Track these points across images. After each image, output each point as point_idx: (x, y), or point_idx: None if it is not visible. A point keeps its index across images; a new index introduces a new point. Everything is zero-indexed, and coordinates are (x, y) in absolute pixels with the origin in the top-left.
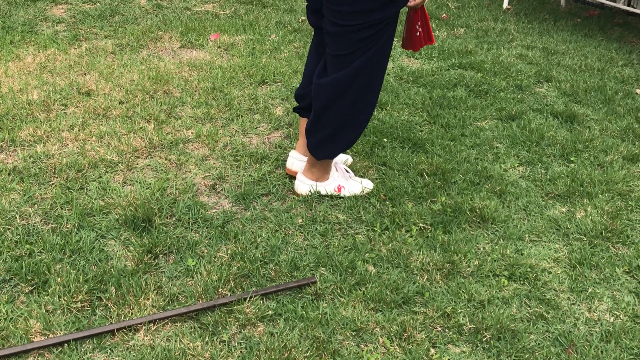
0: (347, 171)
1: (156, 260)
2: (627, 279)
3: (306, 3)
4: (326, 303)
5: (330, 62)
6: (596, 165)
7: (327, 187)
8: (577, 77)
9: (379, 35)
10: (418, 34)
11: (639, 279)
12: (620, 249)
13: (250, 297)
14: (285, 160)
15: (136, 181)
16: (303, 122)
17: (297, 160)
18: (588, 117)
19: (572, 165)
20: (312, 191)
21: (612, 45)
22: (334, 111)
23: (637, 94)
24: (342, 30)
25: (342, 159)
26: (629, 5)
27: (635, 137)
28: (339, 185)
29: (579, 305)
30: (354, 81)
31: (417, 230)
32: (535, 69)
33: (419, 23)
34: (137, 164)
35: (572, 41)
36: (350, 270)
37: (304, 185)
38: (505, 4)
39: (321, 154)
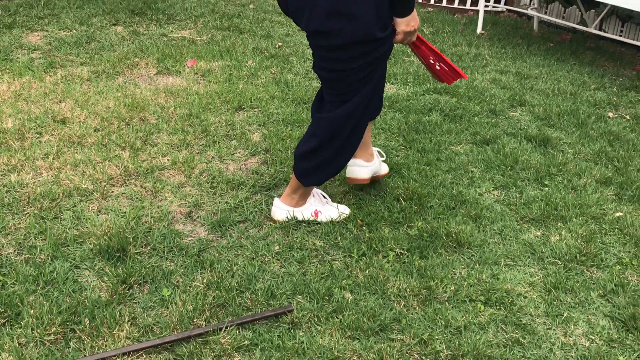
0: (323, 197)
1: (131, 291)
2: (602, 303)
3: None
4: (303, 332)
5: (326, 98)
6: (570, 189)
7: (304, 212)
8: (550, 101)
9: (370, 77)
10: (438, 67)
11: (614, 302)
12: (595, 272)
13: (226, 327)
14: (263, 186)
15: (111, 210)
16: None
17: (360, 167)
18: (561, 140)
19: (546, 189)
20: (289, 217)
21: (584, 69)
22: (330, 145)
23: (609, 117)
24: (331, 76)
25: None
26: (600, 29)
27: (608, 160)
28: (316, 210)
29: (554, 329)
30: (348, 119)
31: (394, 255)
32: (508, 94)
33: (431, 58)
34: (112, 192)
35: (545, 65)
36: (327, 297)
37: (281, 211)
38: (479, 29)
39: (310, 181)
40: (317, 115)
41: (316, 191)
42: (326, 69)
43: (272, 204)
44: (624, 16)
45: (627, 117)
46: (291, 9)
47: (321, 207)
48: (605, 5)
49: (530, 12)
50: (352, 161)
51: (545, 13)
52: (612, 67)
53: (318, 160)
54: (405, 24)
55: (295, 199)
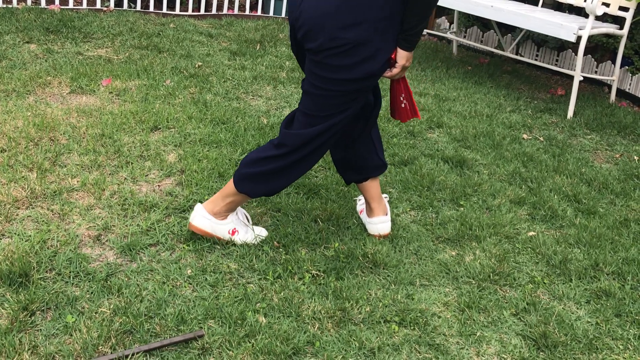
0: (247, 218)
1: (32, 318)
2: (514, 322)
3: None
4: (214, 357)
5: (300, 117)
6: (484, 209)
7: (222, 226)
8: (467, 123)
9: (354, 103)
10: (403, 105)
11: (526, 321)
12: (508, 291)
13: (133, 355)
14: (177, 208)
15: (15, 233)
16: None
17: (384, 223)
18: (477, 161)
19: (462, 209)
20: (209, 230)
21: (500, 92)
22: (288, 157)
23: (523, 139)
24: (319, 93)
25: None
26: (516, 53)
27: (522, 181)
28: (234, 229)
29: (467, 349)
30: (316, 137)
31: (310, 277)
32: (427, 115)
33: (403, 95)
34: (17, 215)
35: (463, 88)
36: (240, 321)
37: (201, 218)
38: None
39: (245, 187)
40: (285, 130)
41: (241, 211)
42: (311, 84)
43: (185, 225)
44: (539, 40)
45: (541, 138)
46: (304, 29)
47: (240, 227)
48: (520, 30)
49: (449, 36)
50: (377, 219)
51: (464, 37)
52: (527, 90)
53: (269, 167)
54: (406, 59)
55: (219, 206)
